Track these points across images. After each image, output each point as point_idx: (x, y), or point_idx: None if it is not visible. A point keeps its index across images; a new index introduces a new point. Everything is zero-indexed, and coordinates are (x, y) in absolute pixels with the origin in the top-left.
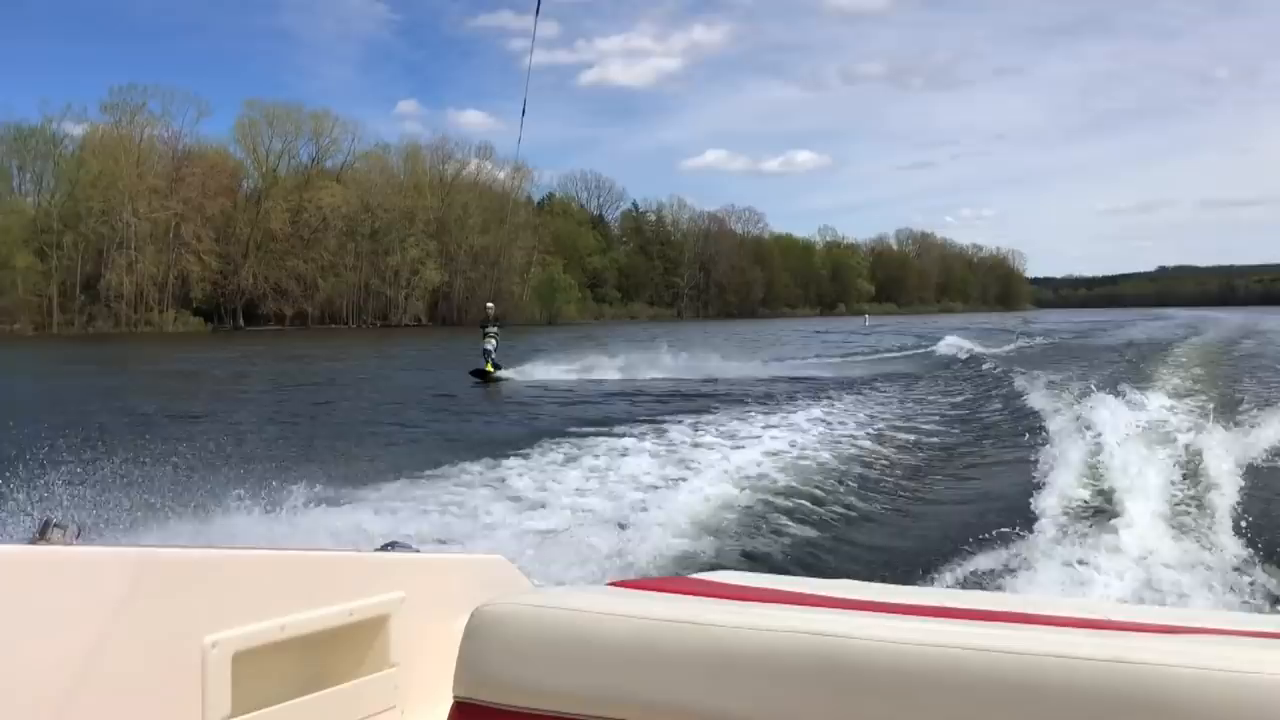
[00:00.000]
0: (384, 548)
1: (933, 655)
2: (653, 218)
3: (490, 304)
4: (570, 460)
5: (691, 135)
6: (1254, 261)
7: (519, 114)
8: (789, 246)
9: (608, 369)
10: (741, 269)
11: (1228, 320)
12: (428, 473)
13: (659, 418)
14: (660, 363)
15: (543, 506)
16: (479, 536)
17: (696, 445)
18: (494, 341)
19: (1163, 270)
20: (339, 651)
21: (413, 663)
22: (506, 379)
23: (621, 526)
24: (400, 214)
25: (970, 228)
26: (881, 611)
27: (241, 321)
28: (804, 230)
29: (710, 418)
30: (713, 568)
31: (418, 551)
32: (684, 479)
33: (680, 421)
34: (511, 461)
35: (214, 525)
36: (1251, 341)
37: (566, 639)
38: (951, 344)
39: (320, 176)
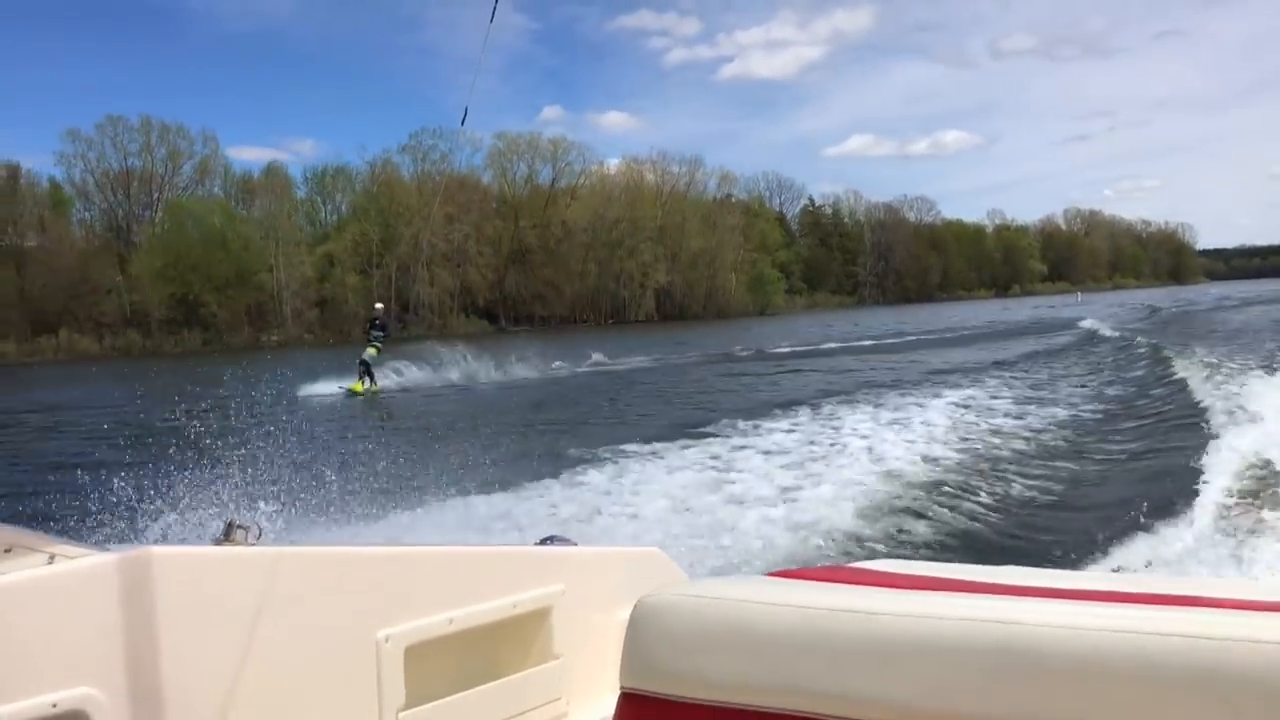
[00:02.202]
0: (543, 542)
1: (1111, 640)
2: (829, 211)
3: (379, 304)
4: (716, 452)
5: (834, 122)
6: None
7: (660, 113)
8: (961, 232)
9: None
10: (917, 255)
11: None
12: (581, 466)
13: (814, 402)
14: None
15: (695, 497)
16: (633, 530)
17: (849, 432)
18: (375, 350)
19: None
20: (505, 644)
21: (576, 654)
22: (376, 392)
23: (777, 517)
24: (630, 224)
25: (1131, 200)
26: (1051, 597)
27: (503, 323)
28: (965, 212)
29: (859, 403)
30: (871, 557)
31: (575, 545)
32: (836, 468)
33: (827, 413)
34: (663, 453)
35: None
36: None
37: (728, 629)
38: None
39: (561, 194)
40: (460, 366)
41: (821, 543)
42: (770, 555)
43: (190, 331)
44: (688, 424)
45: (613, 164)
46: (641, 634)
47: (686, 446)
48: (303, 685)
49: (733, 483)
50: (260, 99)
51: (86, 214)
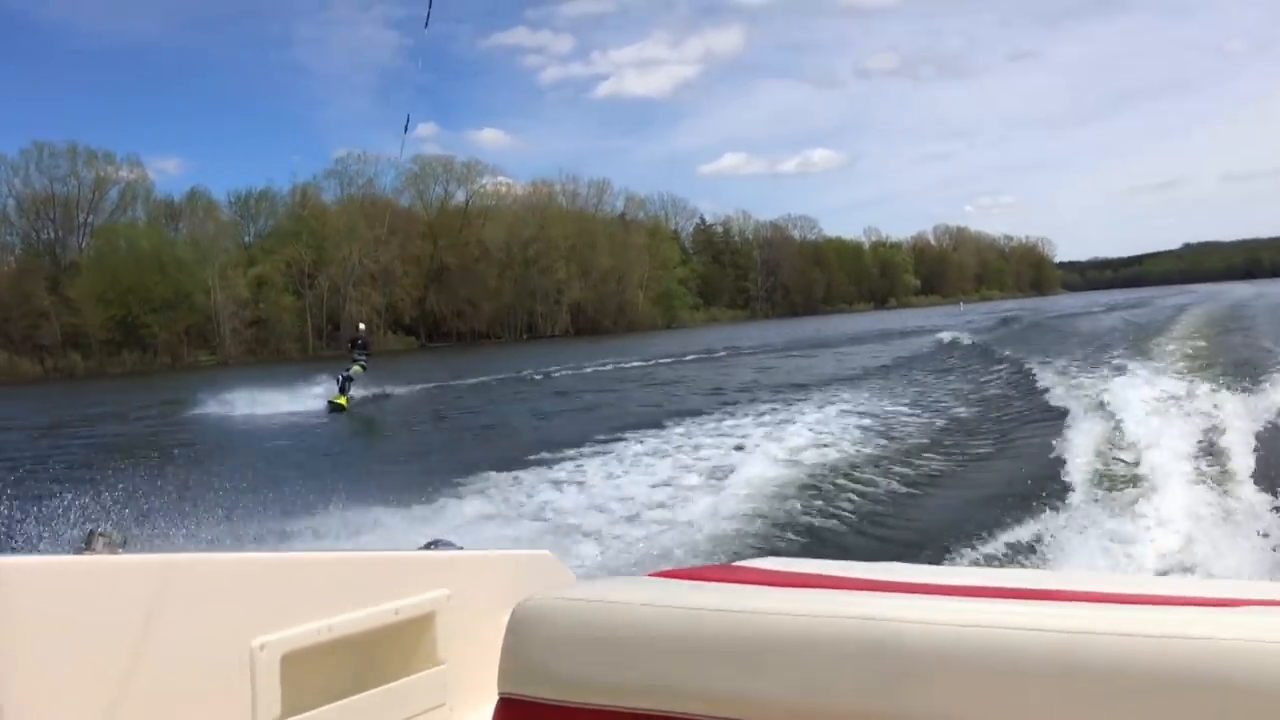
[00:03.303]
0: (428, 546)
1: (978, 635)
2: (720, 230)
3: (362, 325)
4: (611, 454)
5: (708, 140)
6: (1277, 234)
7: (536, 131)
8: (841, 249)
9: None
10: (803, 271)
11: (1232, 292)
12: (471, 473)
13: (700, 411)
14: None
15: (586, 501)
16: (523, 533)
17: (735, 436)
18: (361, 368)
19: (1188, 247)
20: (387, 651)
21: (461, 660)
22: (349, 408)
23: (663, 517)
24: (543, 243)
25: (990, 215)
26: (925, 593)
27: (423, 340)
28: (842, 229)
29: (745, 409)
30: (756, 555)
31: (461, 549)
32: (726, 469)
33: (719, 414)
34: (558, 457)
35: None
36: (1247, 310)
37: (608, 631)
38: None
39: (475, 215)
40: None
41: (706, 543)
42: (656, 555)
43: (130, 352)
44: (579, 431)
45: (523, 184)
46: (520, 638)
47: (577, 453)
48: (171, 699)
49: (622, 485)
50: (122, 117)
51: (9, 238)
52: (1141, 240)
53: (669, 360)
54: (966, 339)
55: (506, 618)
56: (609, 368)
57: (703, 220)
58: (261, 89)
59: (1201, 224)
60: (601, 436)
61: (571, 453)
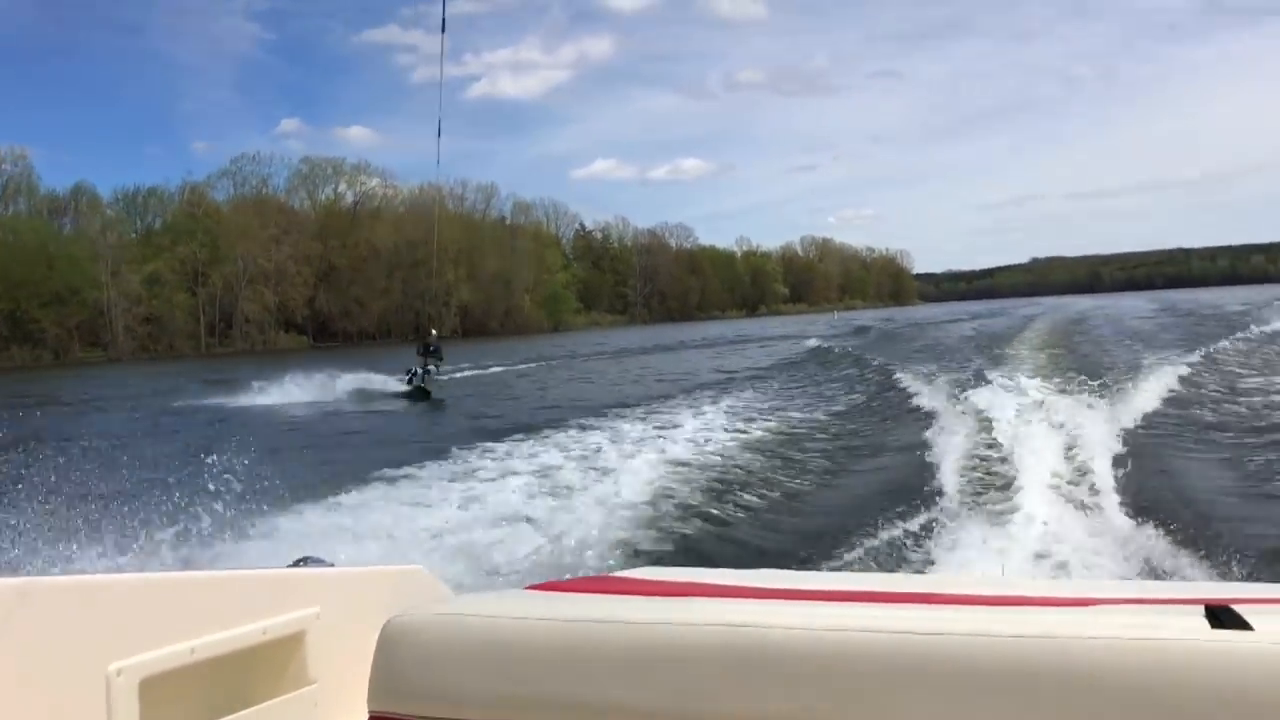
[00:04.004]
0: (297, 563)
1: (848, 640)
2: (600, 236)
3: (434, 330)
4: (490, 464)
5: (580, 145)
6: (1117, 250)
7: (406, 129)
8: (715, 257)
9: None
10: (679, 278)
11: (1076, 304)
12: (346, 486)
13: (577, 419)
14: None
15: (462, 512)
16: (397, 547)
17: (612, 445)
18: (435, 368)
19: (1036, 261)
20: (255, 672)
21: (331, 679)
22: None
23: (542, 528)
24: (432, 246)
25: (851, 227)
26: (798, 599)
27: (311, 339)
28: (716, 238)
29: (625, 417)
30: (633, 565)
31: (332, 566)
32: (603, 478)
33: (600, 421)
34: (430, 467)
35: None
36: (1088, 321)
37: (480, 646)
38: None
39: (364, 215)
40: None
41: (584, 553)
42: (533, 568)
43: (20, 347)
44: (454, 439)
45: (412, 186)
46: (390, 655)
47: (453, 462)
48: None
49: (499, 495)
50: None
51: None
52: (992, 254)
53: (556, 363)
54: (839, 345)
55: (378, 635)
56: (495, 369)
57: (582, 226)
58: (114, 76)
59: (1048, 239)
60: (478, 443)
61: (447, 461)
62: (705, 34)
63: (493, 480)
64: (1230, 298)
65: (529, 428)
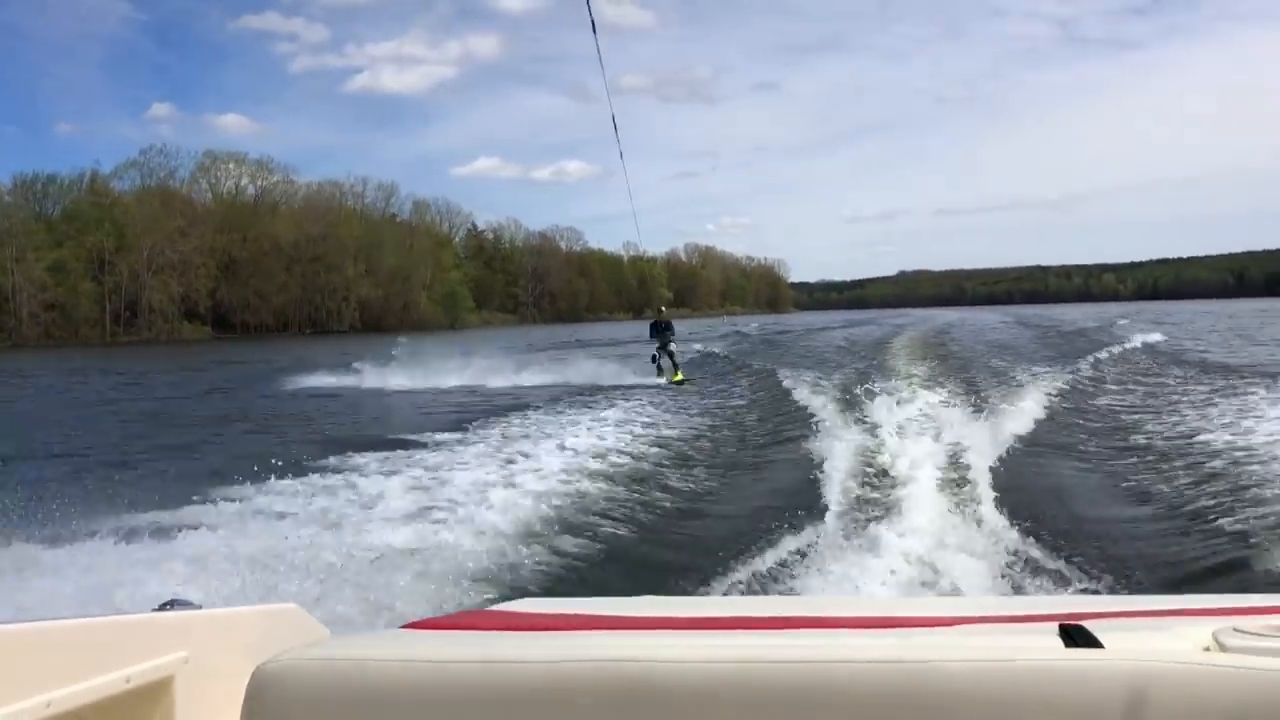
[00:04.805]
0: (163, 607)
1: (723, 671)
2: (491, 237)
3: (664, 308)
4: (361, 485)
5: (462, 143)
6: (979, 265)
7: (282, 119)
8: (604, 260)
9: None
10: (569, 280)
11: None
12: (209, 510)
13: (460, 433)
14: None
15: (337, 540)
16: (267, 583)
17: (496, 466)
18: (671, 345)
19: (903, 274)
20: None
21: None
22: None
23: (421, 558)
24: (334, 240)
25: (730, 234)
26: (679, 628)
27: (212, 330)
28: (603, 241)
29: (514, 431)
30: (516, 595)
31: (200, 608)
32: (486, 501)
33: (480, 437)
34: (296, 490)
35: None
36: (950, 333)
37: (355, 691)
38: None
39: (264, 209)
40: None
41: (465, 583)
42: (414, 600)
43: None
44: (313, 458)
45: (311, 182)
46: (260, 703)
47: (319, 484)
48: None
49: (377, 522)
50: None
51: None
52: (863, 266)
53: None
54: (723, 351)
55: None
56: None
57: (474, 226)
58: None
59: (915, 253)
60: (347, 464)
61: (318, 478)
62: (591, 37)
63: (369, 506)
64: (1080, 314)
65: (408, 444)
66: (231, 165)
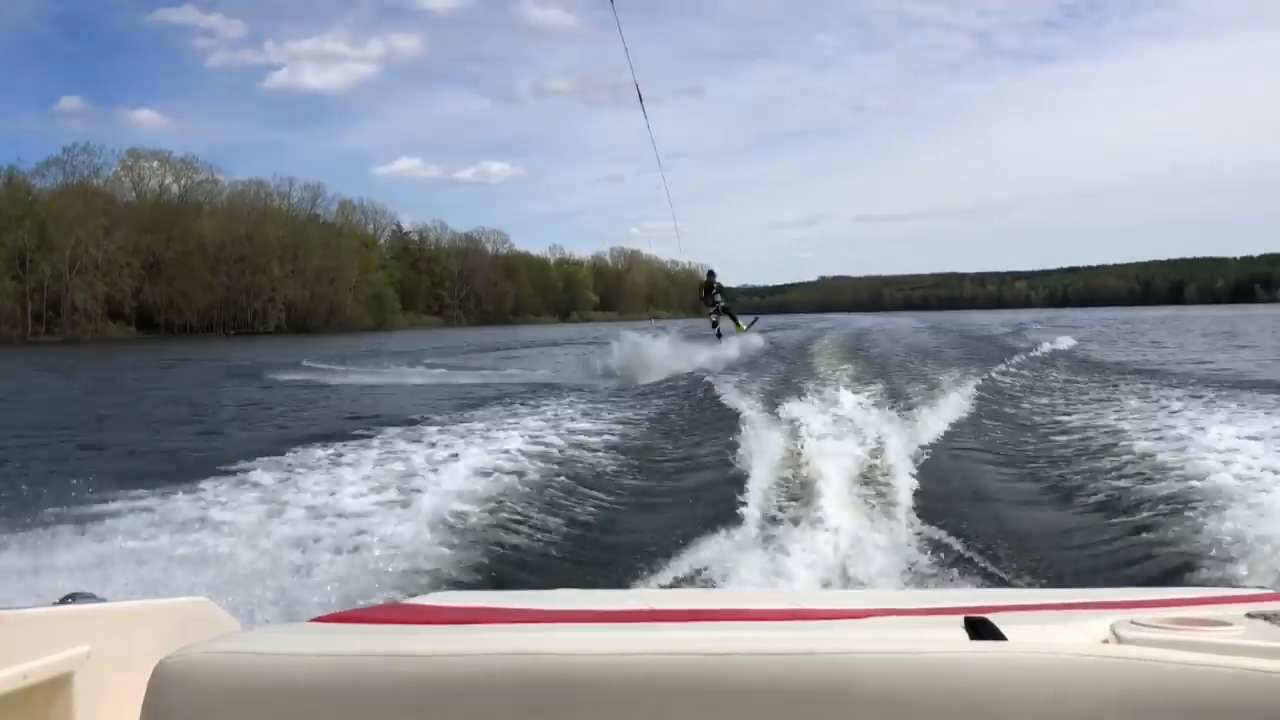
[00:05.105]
0: (65, 600)
1: (635, 664)
2: (417, 238)
3: (713, 270)
4: (284, 481)
5: (384, 142)
6: (898, 272)
7: (201, 112)
8: (530, 263)
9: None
10: (495, 283)
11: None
12: (114, 504)
13: (374, 431)
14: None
15: (249, 535)
16: (180, 577)
17: (416, 459)
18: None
19: (824, 279)
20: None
21: None
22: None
23: (335, 551)
24: (260, 240)
25: (655, 239)
26: (594, 621)
27: (135, 330)
28: (530, 243)
29: (435, 428)
30: (431, 588)
31: (104, 601)
32: (404, 495)
33: (404, 433)
34: (218, 484)
35: None
36: (871, 338)
37: (261, 685)
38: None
39: (189, 209)
40: None
41: (382, 576)
42: (328, 593)
43: None
44: (240, 451)
45: (237, 181)
46: (161, 699)
47: (238, 479)
48: None
49: (294, 514)
50: None
51: None
52: (785, 271)
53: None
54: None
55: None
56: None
57: (399, 227)
58: None
59: (836, 259)
60: (267, 458)
61: (231, 478)
62: (516, 40)
63: (286, 499)
64: (993, 320)
65: (327, 438)
66: (156, 164)
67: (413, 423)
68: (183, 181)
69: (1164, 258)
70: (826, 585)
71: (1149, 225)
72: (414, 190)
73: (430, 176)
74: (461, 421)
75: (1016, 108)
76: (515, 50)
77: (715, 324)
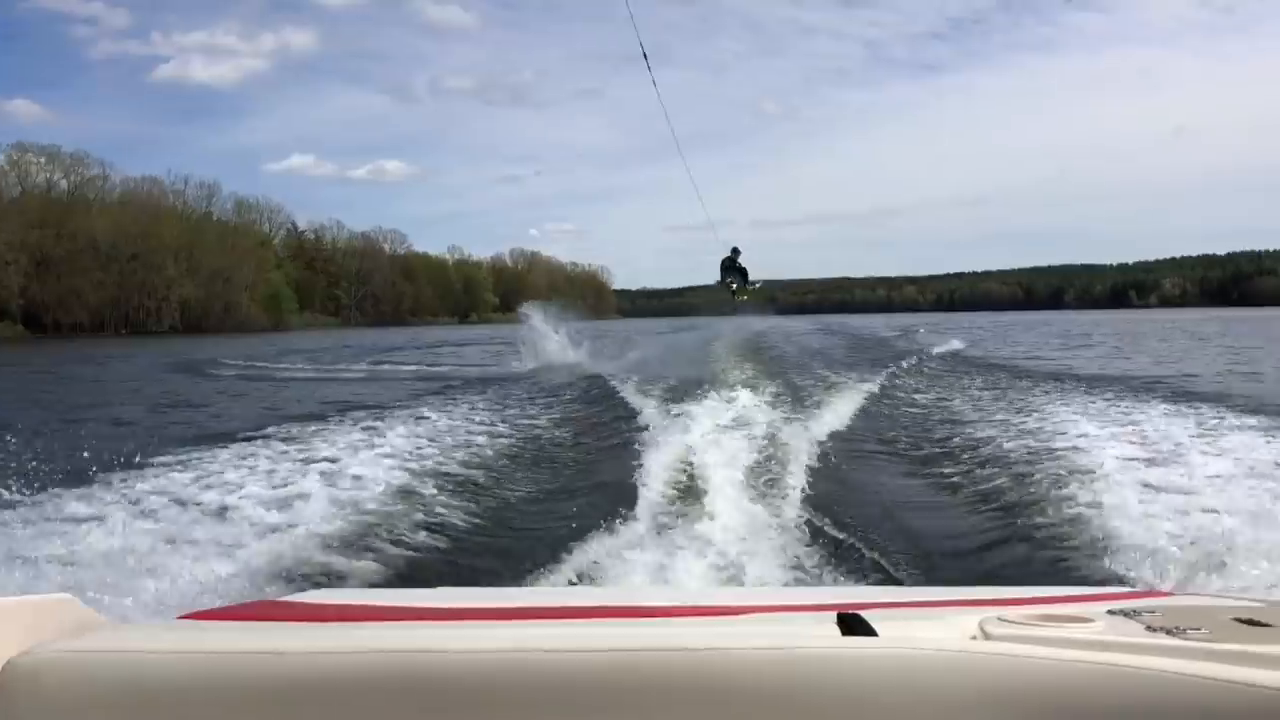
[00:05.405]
0: None
1: (508, 660)
2: (313, 237)
3: (736, 245)
4: (160, 478)
5: (276, 138)
6: (792, 276)
7: (81, 104)
8: (428, 263)
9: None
10: (393, 283)
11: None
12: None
13: (269, 427)
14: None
15: (121, 531)
16: (50, 576)
17: (299, 457)
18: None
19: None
20: None
21: None
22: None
23: (208, 547)
24: (155, 238)
25: (552, 240)
26: (477, 619)
27: (20, 328)
28: (429, 244)
29: (324, 425)
30: (305, 588)
31: None
32: (288, 494)
33: (287, 431)
34: (91, 484)
35: None
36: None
37: (121, 684)
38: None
39: (79, 205)
40: None
41: (255, 575)
42: (204, 591)
43: None
44: (119, 448)
45: (130, 178)
46: (11, 700)
47: (112, 476)
48: None
49: (170, 511)
50: None
51: None
52: (683, 274)
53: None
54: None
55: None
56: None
57: (294, 226)
58: None
59: None
60: (146, 455)
61: (104, 477)
62: (413, 38)
63: (161, 497)
64: (882, 323)
65: (214, 437)
66: (44, 159)
67: (302, 420)
68: (72, 177)
69: (1045, 264)
70: (712, 582)
71: (1031, 233)
72: (307, 187)
73: (324, 174)
74: (353, 421)
75: (906, 116)
76: (411, 48)
77: (734, 293)
